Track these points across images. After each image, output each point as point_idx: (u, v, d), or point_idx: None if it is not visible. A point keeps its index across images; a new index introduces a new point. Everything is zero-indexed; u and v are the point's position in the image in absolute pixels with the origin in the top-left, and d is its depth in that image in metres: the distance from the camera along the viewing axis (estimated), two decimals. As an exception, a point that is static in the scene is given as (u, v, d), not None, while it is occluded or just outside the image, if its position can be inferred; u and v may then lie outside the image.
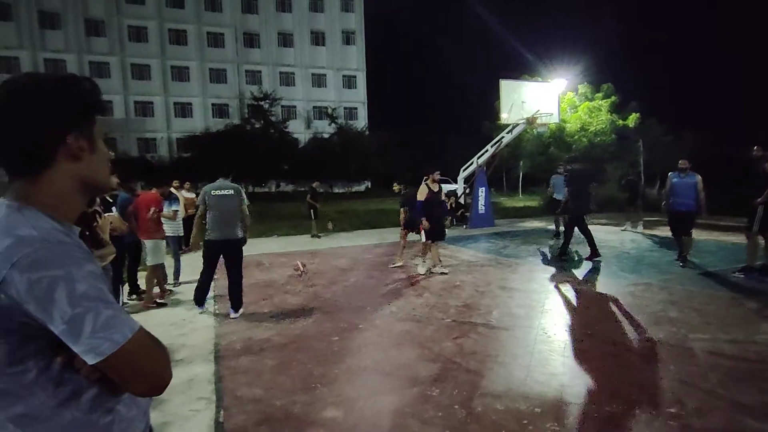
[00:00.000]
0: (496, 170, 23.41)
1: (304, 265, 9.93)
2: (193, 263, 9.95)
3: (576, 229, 10.94)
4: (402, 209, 10.83)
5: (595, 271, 9.76)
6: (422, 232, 9.61)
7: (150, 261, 8.11)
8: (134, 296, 8.48)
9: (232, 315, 7.14)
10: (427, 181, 9.62)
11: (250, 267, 10.32)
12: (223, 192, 7.09)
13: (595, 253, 10.45)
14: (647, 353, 5.46)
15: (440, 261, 9.86)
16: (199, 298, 7.38)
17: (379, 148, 49.67)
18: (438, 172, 9.64)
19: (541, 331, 6.06)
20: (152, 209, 7.99)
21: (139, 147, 50.91)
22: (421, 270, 9.77)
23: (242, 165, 38.93)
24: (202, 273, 7.31)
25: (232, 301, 7.21)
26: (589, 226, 11.18)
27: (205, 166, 35.20)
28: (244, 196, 7.20)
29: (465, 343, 5.69)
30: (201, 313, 7.41)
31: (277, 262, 11.61)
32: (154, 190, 8.27)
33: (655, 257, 11.14)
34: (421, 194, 9.54)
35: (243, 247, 7.21)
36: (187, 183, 12.52)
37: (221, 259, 7.22)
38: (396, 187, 14.34)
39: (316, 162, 46.13)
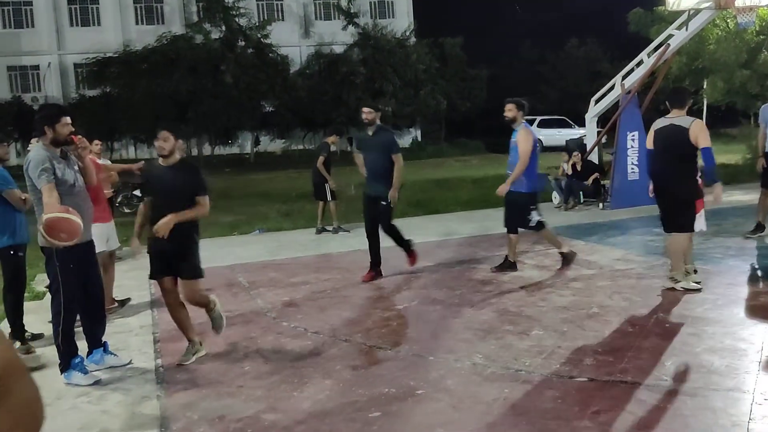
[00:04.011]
0: (658, 101, 14.23)
1: None
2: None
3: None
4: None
5: None
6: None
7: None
8: (18, 343, 5.72)
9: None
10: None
11: (216, 288, 7.44)
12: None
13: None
14: None
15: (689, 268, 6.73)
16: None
17: (436, 69, 34.08)
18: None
19: (760, 397, 4.19)
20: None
21: (11, 83, 34.84)
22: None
23: (189, 108, 29.00)
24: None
25: None
26: None
27: (129, 110, 26.82)
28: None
29: (615, 421, 4.05)
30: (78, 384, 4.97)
31: (264, 279, 8.22)
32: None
33: None
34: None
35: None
36: (98, 141, 8.50)
37: None
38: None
39: (323, 97, 31.17)
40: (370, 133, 7.56)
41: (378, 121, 7.45)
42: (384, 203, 7.26)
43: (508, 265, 7.58)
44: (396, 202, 7.51)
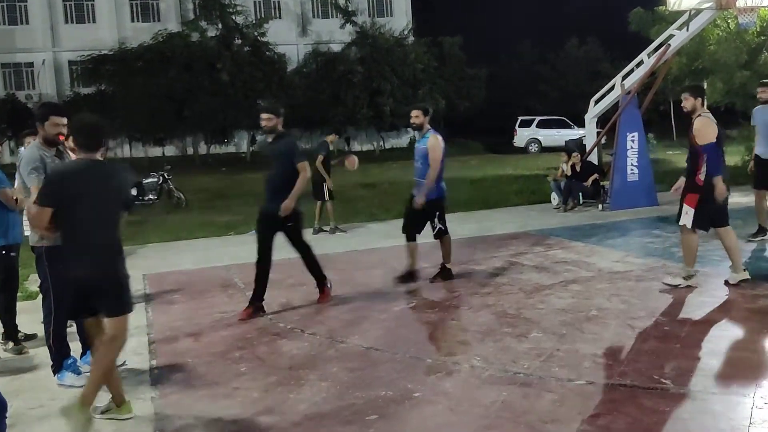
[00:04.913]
0: (657, 102, 14.92)
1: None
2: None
3: None
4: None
5: None
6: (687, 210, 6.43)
7: None
8: (11, 344, 5.73)
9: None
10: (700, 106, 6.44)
11: (210, 289, 7.53)
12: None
13: None
14: None
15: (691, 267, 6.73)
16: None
17: (435, 68, 33.93)
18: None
19: (760, 401, 4.08)
20: None
21: (5, 80, 34.61)
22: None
23: (184, 106, 29.31)
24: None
25: None
26: None
27: (124, 108, 26.95)
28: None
29: (614, 425, 3.93)
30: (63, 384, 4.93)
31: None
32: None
33: None
34: (707, 129, 6.33)
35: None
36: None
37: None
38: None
39: (321, 96, 31.05)
40: (269, 140, 6.53)
41: (280, 127, 6.38)
42: (290, 222, 6.39)
43: (408, 275, 7.36)
44: (298, 214, 6.50)
